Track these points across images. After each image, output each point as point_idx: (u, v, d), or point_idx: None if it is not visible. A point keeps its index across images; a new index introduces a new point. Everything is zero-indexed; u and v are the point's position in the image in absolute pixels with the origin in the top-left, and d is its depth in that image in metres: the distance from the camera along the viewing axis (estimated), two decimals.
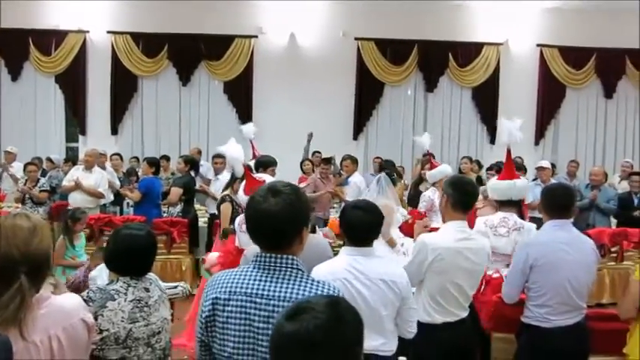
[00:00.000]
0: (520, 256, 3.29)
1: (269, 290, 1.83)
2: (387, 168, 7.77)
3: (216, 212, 7.35)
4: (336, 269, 2.74)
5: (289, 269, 1.86)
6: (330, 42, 10.97)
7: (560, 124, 11.52)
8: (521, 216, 4.61)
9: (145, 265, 2.47)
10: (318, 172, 8.33)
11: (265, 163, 5.91)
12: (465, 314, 3.24)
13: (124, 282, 2.41)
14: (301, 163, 9.18)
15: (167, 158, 9.47)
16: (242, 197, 4.67)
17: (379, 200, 5.32)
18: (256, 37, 10.91)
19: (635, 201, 7.66)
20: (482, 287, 4.22)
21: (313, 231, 6.34)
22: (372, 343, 2.71)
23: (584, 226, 7.30)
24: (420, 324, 3.05)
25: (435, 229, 5.12)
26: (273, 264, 1.86)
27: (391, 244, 5.16)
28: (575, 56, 11.25)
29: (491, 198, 4.79)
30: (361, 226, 2.79)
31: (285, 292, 1.82)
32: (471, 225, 6.62)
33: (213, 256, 5.31)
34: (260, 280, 1.86)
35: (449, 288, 3.14)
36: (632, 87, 11.46)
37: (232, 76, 10.97)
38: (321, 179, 8.10)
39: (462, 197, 3.23)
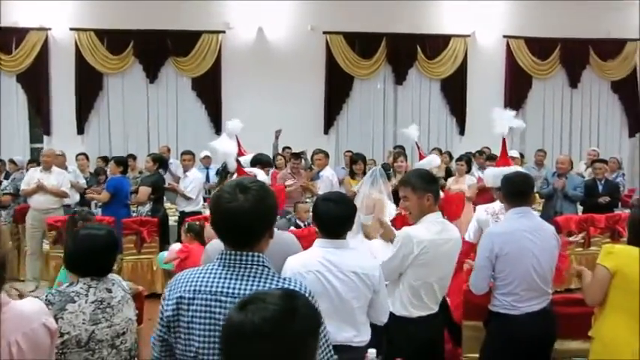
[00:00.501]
0: (485, 246, 3.32)
1: (234, 288, 1.81)
2: (359, 161, 7.82)
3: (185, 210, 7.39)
4: (309, 261, 2.72)
5: (255, 266, 1.84)
6: (298, 36, 10.93)
7: (528, 114, 11.65)
8: None
9: (106, 265, 2.42)
10: (288, 167, 8.32)
11: (264, 162, 5.98)
12: (437, 308, 3.28)
13: (85, 283, 2.35)
14: (273, 159, 9.16)
15: (133, 157, 9.34)
16: None
17: (372, 194, 5.36)
18: (224, 32, 10.81)
19: (600, 187, 7.83)
20: None
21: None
22: (344, 334, 2.73)
23: (552, 213, 7.42)
24: (395, 317, 3.10)
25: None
26: (238, 261, 1.84)
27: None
28: (540, 47, 11.43)
29: (492, 186, 4.81)
30: (333, 219, 2.79)
31: (251, 290, 1.79)
32: (455, 216, 6.79)
33: (173, 249, 5.25)
34: (225, 278, 1.83)
35: (431, 281, 3.17)
36: (595, 76, 11.70)
37: (200, 72, 10.85)
38: (292, 174, 8.09)
39: (438, 191, 3.31)
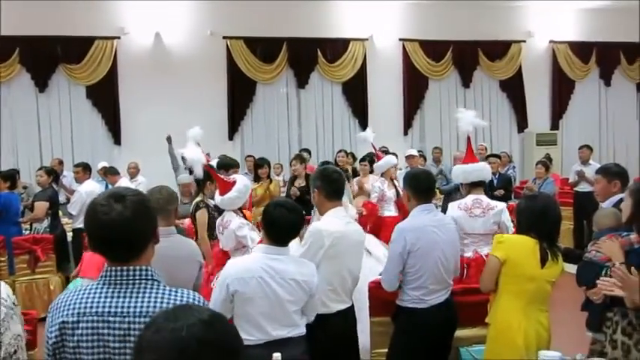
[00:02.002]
0: (398, 242, 3.39)
1: (123, 307, 1.70)
2: (264, 165, 7.82)
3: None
4: (253, 267, 2.82)
5: (143, 281, 1.73)
6: (197, 41, 10.72)
7: (425, 113, 12.15)
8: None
9: None
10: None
11: (227, 165, 5.99)
12: (351, 301, 3.37)
13: None
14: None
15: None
16: (218, 199, 4.59)
17: None
18: (119, 38, 10.40)
19: (495, 181, 8.28)
20: (465, 272, 4.39)
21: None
22: (280, 332, 2.84)
23: None
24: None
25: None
26: (125, 277, 1.73)
27: None
28: (434, 49, 11.91)
29: (463, 182, 4.97)
30: (286, 225, 2.87)
31: (142, 307, 1.69)
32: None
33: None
34: (112, 297, 1.71)
35: (344, 273, 3.27)
36: (485, 76, 12.38)
37: (95, 79, 10.36)
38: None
39: (332, 186, 3.38)
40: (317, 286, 2.93)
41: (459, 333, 3.67)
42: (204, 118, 10.52)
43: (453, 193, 8.12)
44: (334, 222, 3.28)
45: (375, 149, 8.04)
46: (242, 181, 4.62)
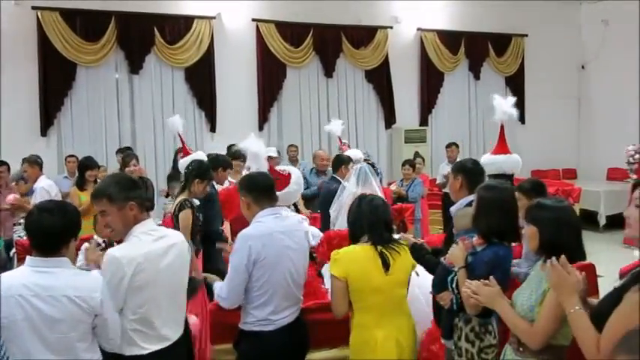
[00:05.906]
0: (242, 252, 3.34)
1: None
2: (94, 168, 7.48)
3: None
4: (13, 283, 2.65)
5: None
6: None
7: (283, 106, 12.24)
8: None
9: None
10: None
11: (224, 163, 6.38)
12: (180, 333, 3.19)
13: None
14: None
15: None
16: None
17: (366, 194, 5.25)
18: None
19: None
20: None
21: None
22: None
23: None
24: (123, 358, 2.96)
25: None
26: None
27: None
28: (292, 32, 12.04)
29: (496, 172, 5.19)
30: (50, 231, 2.72)
31: None
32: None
33: None
34: None
35: (159, 302, 3.03)
36: (350, 65, 12.74)
37: None
38: None
39: (141, 197, 3.16)
40: (100, 303, 2.74)
41: (317, 355, 3.73)
42: (7, 108, 9.84)
43: (315, 198, 8.26)
44: (139, 242, 3.01)
45: (341, 142, 8.52)
46: (296, 173, 5.07)
